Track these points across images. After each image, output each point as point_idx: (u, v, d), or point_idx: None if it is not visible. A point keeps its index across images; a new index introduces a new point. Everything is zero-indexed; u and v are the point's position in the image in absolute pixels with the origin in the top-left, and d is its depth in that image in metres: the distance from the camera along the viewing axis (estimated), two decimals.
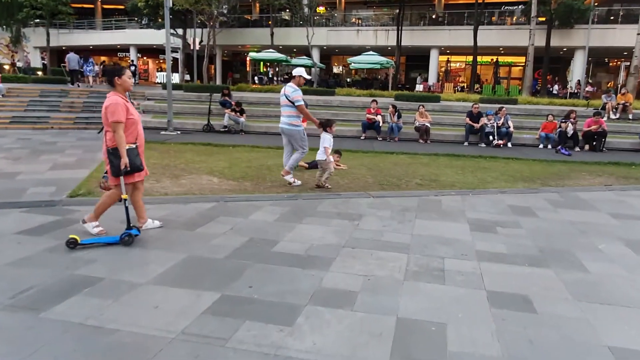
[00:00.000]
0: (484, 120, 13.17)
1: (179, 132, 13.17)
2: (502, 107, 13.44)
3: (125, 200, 4.38)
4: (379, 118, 13.37)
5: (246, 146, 11.24)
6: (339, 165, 8.86)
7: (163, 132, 13.05)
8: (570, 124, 12.84)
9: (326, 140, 7.12)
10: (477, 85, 28.57)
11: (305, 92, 20.13)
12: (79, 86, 19.04)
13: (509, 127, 13.21)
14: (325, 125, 7.18)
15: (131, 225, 4.39)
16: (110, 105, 4.26)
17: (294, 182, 7.16)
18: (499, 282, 3.81)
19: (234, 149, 10.92)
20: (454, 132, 13.86)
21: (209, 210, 5.61)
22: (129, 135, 4.38)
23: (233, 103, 14.54)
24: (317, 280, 3.70)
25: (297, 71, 7.20)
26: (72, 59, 20.10)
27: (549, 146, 13.11)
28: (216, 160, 9.22)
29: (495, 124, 13.12)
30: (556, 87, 27.90)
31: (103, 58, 37.67)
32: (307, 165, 8.63)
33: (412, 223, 5.39)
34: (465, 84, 31.63)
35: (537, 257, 4.41)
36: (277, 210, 5.70)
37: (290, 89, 7.04)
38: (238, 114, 13.78)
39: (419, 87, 27.66)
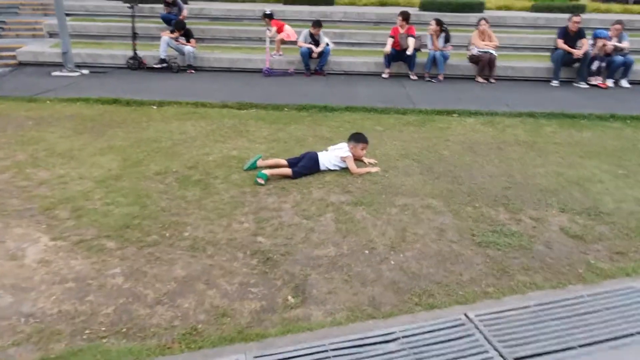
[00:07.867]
0: (586, 43, 7.95)
1: (83, 72, 7.93)
2: (619, 21, 8.09)
3: None
4: (411, 42, 8.09)
5: (183, 103, 6.14)
6: (365, 164, 4.08)
7: (55, 74, 7.81)
8: None
9: None
10: None
11: (293, 2, 14.51)
12: None
13: (627, 53, 8.03)
14: None
15: None
16: None
17: None
18: None
19: (158, 110, 5.87)
20: (527, 64, 8.66)
21: None
22: None
23: (182, 18, 9.20)
24: None
25: None
26: None
27: None
28: (99, 153, 4.31)
29: (600, 52, 7.94)
30: None
31: None
32: (290, 172, 3.81)
33: None
34: None
35: None
36: None
37: None
38: (183, 39, 8.44)
39: None
